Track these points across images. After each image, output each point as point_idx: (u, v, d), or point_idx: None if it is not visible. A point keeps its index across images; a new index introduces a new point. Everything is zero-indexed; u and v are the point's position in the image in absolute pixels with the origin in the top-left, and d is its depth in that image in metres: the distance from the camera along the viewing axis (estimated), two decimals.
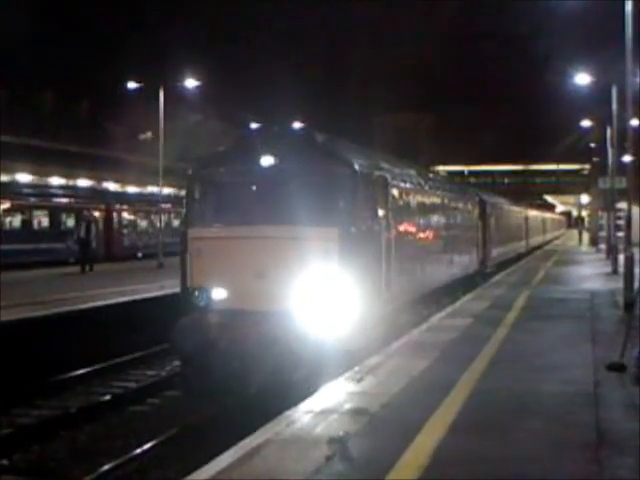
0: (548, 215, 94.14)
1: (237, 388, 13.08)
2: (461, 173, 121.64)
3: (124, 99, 56.98)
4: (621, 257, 25.65)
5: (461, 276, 25.67)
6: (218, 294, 13.88)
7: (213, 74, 61.34)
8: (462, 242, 25.97)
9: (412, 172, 20.36)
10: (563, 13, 41.93)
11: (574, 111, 59.79)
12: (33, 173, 56.47)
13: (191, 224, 14.85)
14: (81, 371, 17.65)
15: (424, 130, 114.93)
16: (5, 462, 12.04)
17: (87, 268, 33.33)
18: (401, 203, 17.42)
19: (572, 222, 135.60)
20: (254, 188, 14.66)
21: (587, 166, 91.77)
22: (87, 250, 34.58)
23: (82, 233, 35.04)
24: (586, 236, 75.21)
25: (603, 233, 52.09)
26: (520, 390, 10.53)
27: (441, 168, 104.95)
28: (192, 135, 70.85)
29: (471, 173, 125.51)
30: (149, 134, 69.85)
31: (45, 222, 41.59)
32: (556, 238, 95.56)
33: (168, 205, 50.00)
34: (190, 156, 44.38)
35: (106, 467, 11.23)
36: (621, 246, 33.12)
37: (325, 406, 9.70)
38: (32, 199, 41.94)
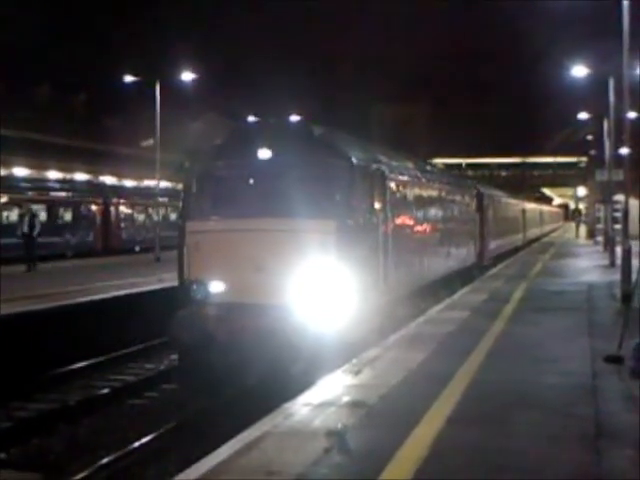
0: (545, 208, 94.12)
1: (235, 381, 13.12)
2: (459, 165, 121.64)
3: (121, 92, 56.84)
4: (618, 249, 25.66)
5: (459, 268, 25.67)
6: (216, 287, 13.88)
7: (211, 67, 61.26)
8: (460, 234, 25.98)
9: (409, 164, 20.36)
10: (560, 5, 41.82)
11: (571, 103, 59.74)
12: (29, 167, 56.36)
13: (189, 217, 14.83)
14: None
15: (422, 122, 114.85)
16: (3, 456, 12.06)
17: (31, 266, 30.13)
18: (398, 195, 17.42)
19: (570, 215, 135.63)
20: (251, 181, 14.66)
21: (584, 158, 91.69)
22: (31, 247, 30.87)
23: (25, 228, 30.94)
24: (583, 229, 75.17)
25: (600, 225, 52.10)
26: (518, 382, 10.54)
27: (439, 160, 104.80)
28: (192, 129, 70.91)
29: (469, 165, 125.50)
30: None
31: (42, 216, 41.53)
32: (553, 231, 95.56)
33: (165, 199, 50.07)
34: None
35: (105, 460, 11.23)
36: (618, 238, 33.17)
37: (323, 399, 9.70)
38: (29, 193, 41.87)
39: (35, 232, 30.70)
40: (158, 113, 40.34)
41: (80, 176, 60.07)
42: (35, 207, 40.36)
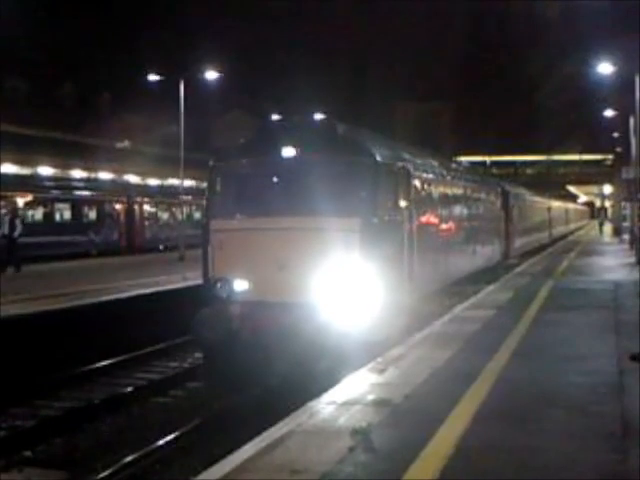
0: (571, 205, 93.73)
1: (259, 379, 13.11)
2: (483, 163, 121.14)
3: (144, 91, 57.00)
4: None
5: (484, 267, 25.57)
6: (240, 285, 13.88)
7: (235, 66, 61.31)
8: (485, 233, 25.89)
9: (434, 162, 20.29)
10: (586, 3, 41.63)
11: (597, 101, 59.36)
12: (54, 166, 56.62)
13: (213, 215, 14.84)
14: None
15: (446, 120, 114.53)
16: (28, 454, 12.08)
17: (14, 269, 28.51)
18: (423, 193, 17.36)
19: (595, 212, 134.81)
20: (276, 179, 14.65)
21: (610, 156, 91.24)
22: (12, 248, 29.27)
23: (6, 229, 29.51)
24: (608, 227, 74.73)
25: (627, 223, 51.78)
26: (544, 380, 10.46)
27: (463, 158, 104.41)
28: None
29: (493, 163, 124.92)
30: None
31: (67, 215, 41.71)
32: (579, 229, 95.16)
33: (189, 197, 50.11)
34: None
35: (129, 458, 11.23)
36: None
37: (348, 397, 9.66)
38: (54, 192, 42.03)
39: (16, 233, 29.46)
40: (182, 112, 40.41)
41: (104, 175, 60.30)
42: (60, 206, 40.72)
